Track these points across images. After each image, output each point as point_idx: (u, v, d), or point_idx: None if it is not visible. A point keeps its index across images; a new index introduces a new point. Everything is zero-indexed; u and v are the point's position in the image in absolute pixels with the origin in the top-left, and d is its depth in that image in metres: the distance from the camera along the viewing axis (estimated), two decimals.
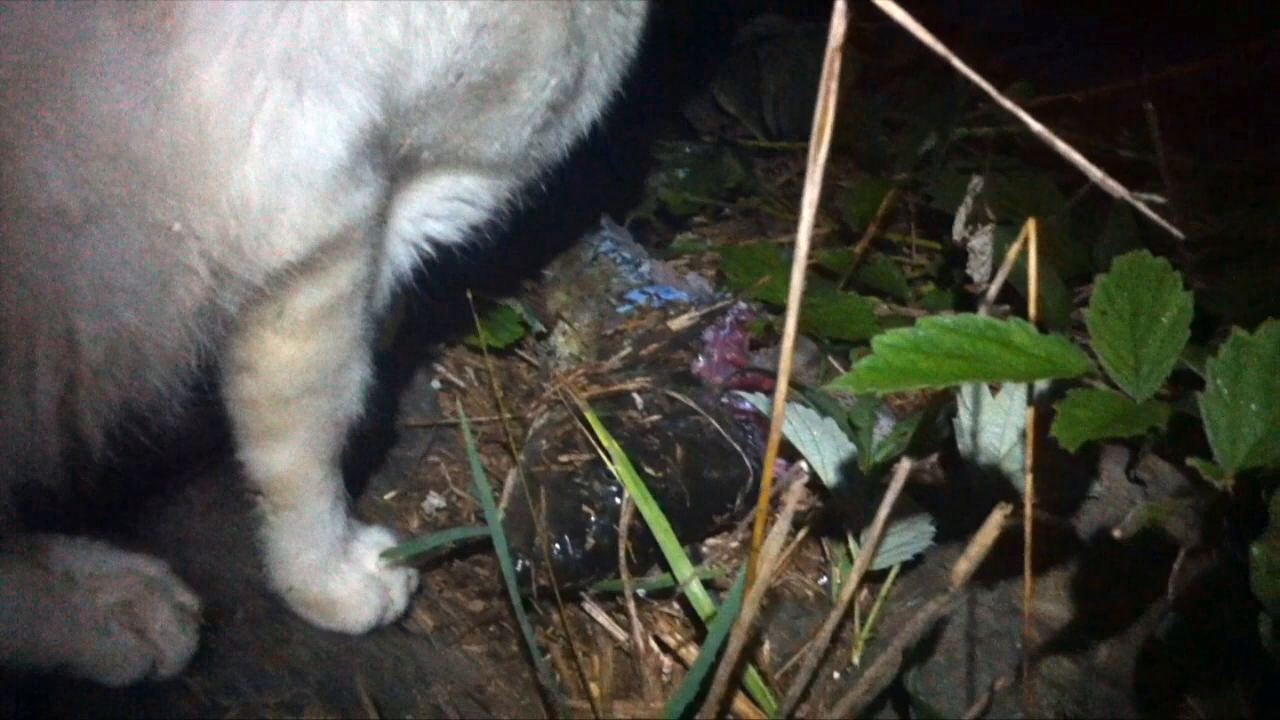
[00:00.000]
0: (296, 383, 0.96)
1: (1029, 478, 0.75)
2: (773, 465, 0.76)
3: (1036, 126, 0.54)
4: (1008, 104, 0.54)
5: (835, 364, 1.36)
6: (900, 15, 0.58)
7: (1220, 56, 1.65)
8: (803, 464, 1.13)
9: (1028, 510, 0.75)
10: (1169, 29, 1.72)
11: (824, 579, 1.20)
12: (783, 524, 0.78)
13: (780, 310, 1.41)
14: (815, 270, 1.54)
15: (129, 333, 0.82)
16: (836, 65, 0.64)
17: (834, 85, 0.64)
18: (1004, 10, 1.99)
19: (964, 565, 0.75)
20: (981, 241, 1.29)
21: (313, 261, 0.88)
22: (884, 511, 0.84)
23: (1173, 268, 0.77)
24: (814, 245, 1.61)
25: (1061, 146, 0.54)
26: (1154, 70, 1.62)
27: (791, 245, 1.62)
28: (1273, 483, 0.72)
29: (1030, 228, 0.75)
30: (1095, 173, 0.54)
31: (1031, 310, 0.76)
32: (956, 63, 0.54)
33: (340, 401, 1.00)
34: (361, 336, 0.99)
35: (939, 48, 0.55)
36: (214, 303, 0.87)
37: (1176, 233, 0.59)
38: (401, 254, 1.04)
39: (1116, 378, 0.75)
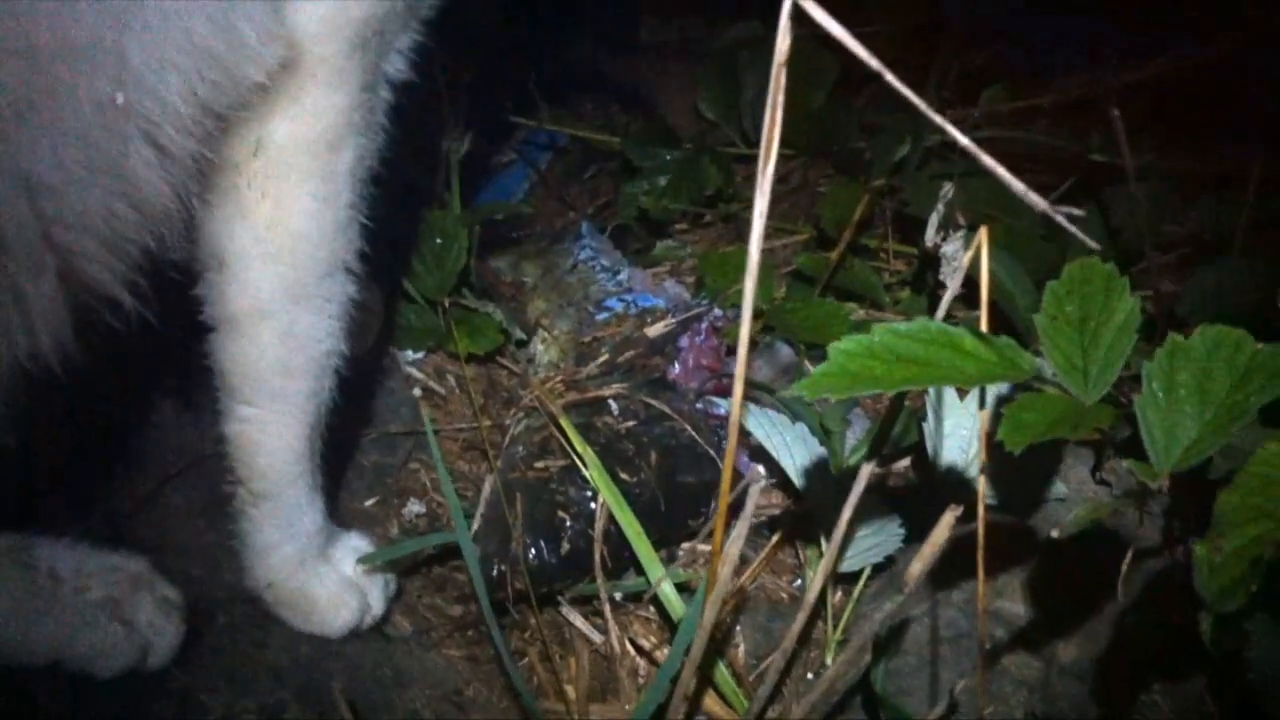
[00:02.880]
0: (272, 275, 0.95)
1: (982, 478, 0.77)
2: (731, 469, 0.78)
3: (964, 140, 0.56)
4: (937, 118, 0.56)
5: (811, 368, 1.38)
6: (835, 28, 0.60)
7: (1194, 55, 1.67)
8: (760, 468, 1.14)
9: (980, 511, 0.76)
10: (1165, 24, 1.73)
11: (798, 581, 1.22)
12: (741, 527, 0.80)
13: (756, 316, 1.42)
14: (793, 275, 1.56)
15: (106, 199, 0.82)
16: (782, 80, 0.66)
17: (780, 100, 0.66)
18: (992, 8, 2.01)
19: (917, 566, 0.76)
20: (953, 247, 1.30)
21: (293, 67, 0.87)
22: (847, 513, 0.86)
23: (1120, 273, 0.79)
24: (792, 251, 1.64)
25: (988, 160, 0.55)
26: (1137, 67, 1.64)
27: (770, 251, 1.65)
28: (1220, 483, 0.74)
29: (983, 234, 0.77)
30: (1018, 186, 0.55)
31: (983, 315, 0.78)
32: (890, 77, 0.56)
33: (325, 324, 0.99)
34: (346, 224, 0.97)
35: (873, 62, 0.57)
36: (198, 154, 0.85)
37: (1093, 244, 0.61)
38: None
39: (1066, 381, 0.76)
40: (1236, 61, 1.65)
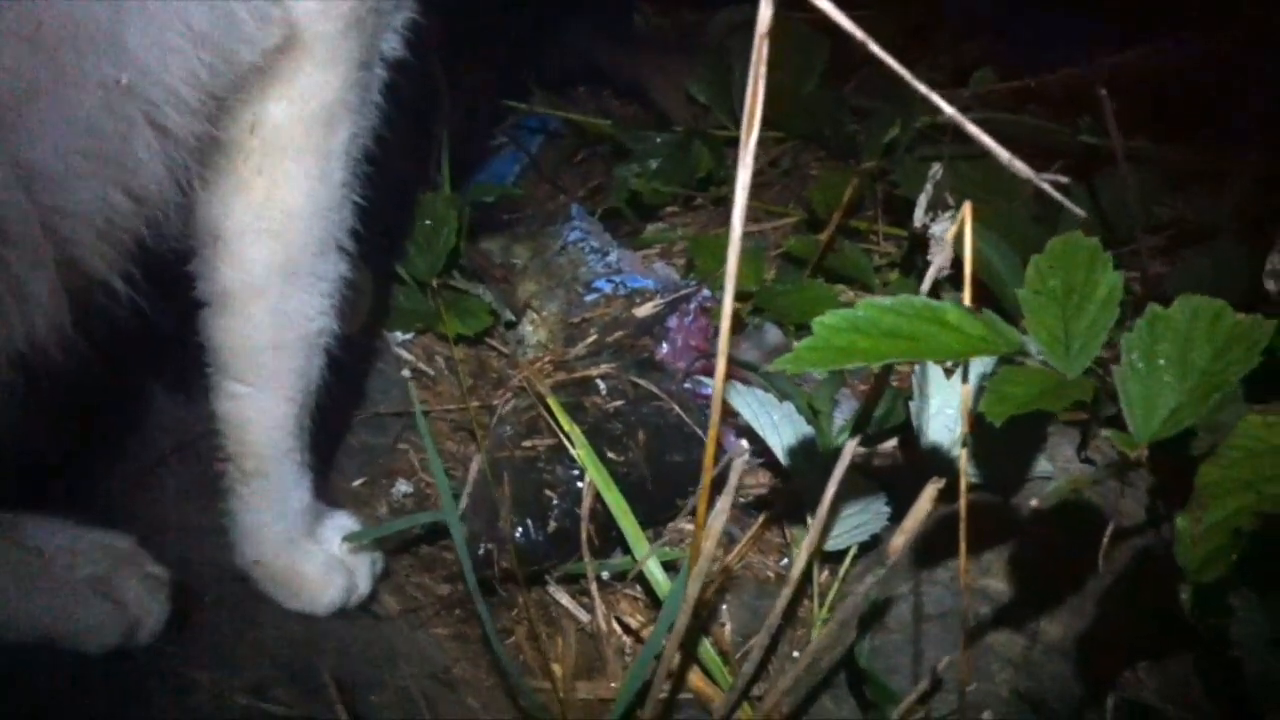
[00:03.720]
0: (266, 251, 0.95)
1: (964, 452, 0.77)
2: (715, 444, 0.78)
3: (950, 110, 0.56)
4: (923, 89, 0.56)
5: None
6: (827, 6, 0.60)
7: (1191, 54, 1.67)
8: (743, 442, 1.15)
9: (962, 485, 0.76)
10: (1162, 23, 1.74)
11: (784, 561, 1.22)
12: (725, 500, 0.80)
13: (745, 298, 1.43)
14: (783, 258, 1.56)
15: (105, 188, 0.82)
16: (764, 51, 0.66)
17: (762, 71, 0.67)
18: (991, 6, 2.01)
19: (900, 538, 0.77)
20: (942, 228, 1.31)
21: (290, 46, 0.87)
22: (831, 491, 0.86)
23: (1104, 248, 0.79)
24: (782, 234, 1.64)
25: (974, 130, 0.56)
26: (1132, 60, 1.64)
27: (760, 234, 1.65)
28: (1202, 459, 0.74)
29: (966, 209, 0.77)
30: (1004, 154, 0.56)
31: (966, 292, 0.78)
32: (876, 49, 0.56)
33: (317, 302, 0.99)
34: (340, 202, 0.97)
35: (860, 34, 0.57)
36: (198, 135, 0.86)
37: (1078, 211, 0.61)
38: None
39: (1048, 355, 0.77)
40: (1234, 60, 1.65)
